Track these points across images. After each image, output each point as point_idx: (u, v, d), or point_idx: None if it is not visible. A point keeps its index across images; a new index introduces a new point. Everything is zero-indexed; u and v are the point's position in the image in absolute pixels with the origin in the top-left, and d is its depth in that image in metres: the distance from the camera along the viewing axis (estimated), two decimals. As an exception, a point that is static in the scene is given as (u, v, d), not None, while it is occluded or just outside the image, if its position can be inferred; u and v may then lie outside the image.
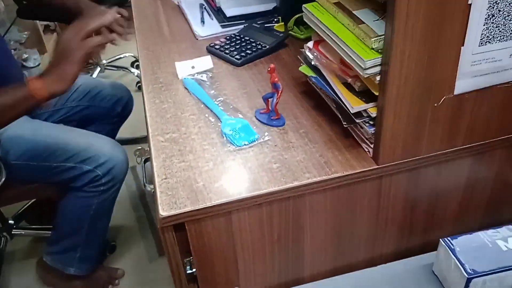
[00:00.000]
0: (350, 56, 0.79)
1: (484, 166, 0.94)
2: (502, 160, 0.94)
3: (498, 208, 1.03)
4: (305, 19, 0.94)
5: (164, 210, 0.77)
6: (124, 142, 2.13)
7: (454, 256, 0.82)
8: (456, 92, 0.77)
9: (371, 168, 0.83)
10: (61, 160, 1.37)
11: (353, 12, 0.81)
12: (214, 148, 0.90)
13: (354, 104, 0.82)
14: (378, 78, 0.76)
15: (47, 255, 1.60)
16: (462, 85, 0.77)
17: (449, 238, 0.85)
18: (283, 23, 1.31)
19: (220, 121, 0.96)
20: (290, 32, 1.29)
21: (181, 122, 0.97)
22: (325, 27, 0.85)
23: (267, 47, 1.21)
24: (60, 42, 0.98)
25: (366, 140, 0.85)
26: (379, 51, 0.75)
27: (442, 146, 0.84)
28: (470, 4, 0.68)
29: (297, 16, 1.26)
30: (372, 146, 0.83)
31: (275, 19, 1.34)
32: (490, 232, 0.86)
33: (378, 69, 0.75)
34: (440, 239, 0.86)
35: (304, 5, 0.92)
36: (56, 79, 0.97)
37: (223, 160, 0.87)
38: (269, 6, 1.39)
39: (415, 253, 0.95)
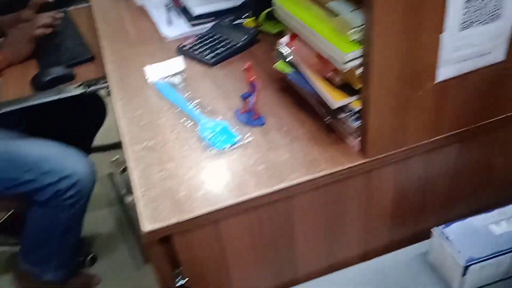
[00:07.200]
0: (328, 51, 0.76)
1: (470, 152, 0.93)
2: (486, 144, 0.93)
3: (485, 192, 1.03)
4: (275, 15, 0.91)
5: (148, 224, 0.74)
6: (98, 149, 2.07)
7: (449, 245, 0.81)
8: (438, 79, 0.76)
9: (360, 162, 0.80)
10: (20, 172, 1.30)
11: (326, 4, 0.78)
12: (194, 154, 0.86)
13: (336, 99, 0.79)
14: (359, 70, 0.74)
15: (23, 263, 1.56)
16: (444, 72, 0.75)
17: (441, 227, 0.84)
18: (254, 17, 1.28)
19: (198, 125, 0.93)
20: (260, 28, 1.25)
21: (157, 129, 0.93)
22: (298, 21, 0.83)
23: (239, 44, 1.18)
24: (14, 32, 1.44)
25: (350, 135, 0.82)
26: (359, 43, 0.72)
27: (428, 135, 0.83)
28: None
29: (267, 10, 1.23)
30: (356, 140, 0.81)
31: (245, 15, 1.31)
32: (481, 216, 0.86)
33: (358, 61, 0.73)
34: (432, 229, 0.85)
35: (274, -1, 0.89)
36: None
37: (205, 166, 0.84)
38: (238, 2, 1.36)
39: (408, 243, 0.94)
